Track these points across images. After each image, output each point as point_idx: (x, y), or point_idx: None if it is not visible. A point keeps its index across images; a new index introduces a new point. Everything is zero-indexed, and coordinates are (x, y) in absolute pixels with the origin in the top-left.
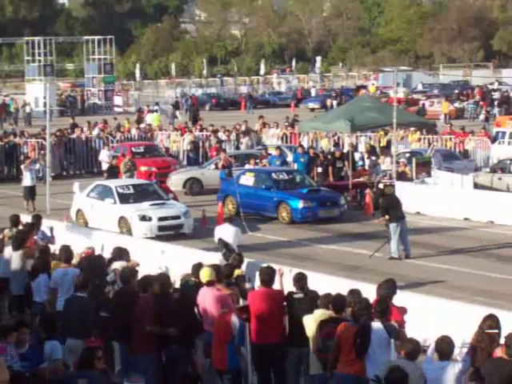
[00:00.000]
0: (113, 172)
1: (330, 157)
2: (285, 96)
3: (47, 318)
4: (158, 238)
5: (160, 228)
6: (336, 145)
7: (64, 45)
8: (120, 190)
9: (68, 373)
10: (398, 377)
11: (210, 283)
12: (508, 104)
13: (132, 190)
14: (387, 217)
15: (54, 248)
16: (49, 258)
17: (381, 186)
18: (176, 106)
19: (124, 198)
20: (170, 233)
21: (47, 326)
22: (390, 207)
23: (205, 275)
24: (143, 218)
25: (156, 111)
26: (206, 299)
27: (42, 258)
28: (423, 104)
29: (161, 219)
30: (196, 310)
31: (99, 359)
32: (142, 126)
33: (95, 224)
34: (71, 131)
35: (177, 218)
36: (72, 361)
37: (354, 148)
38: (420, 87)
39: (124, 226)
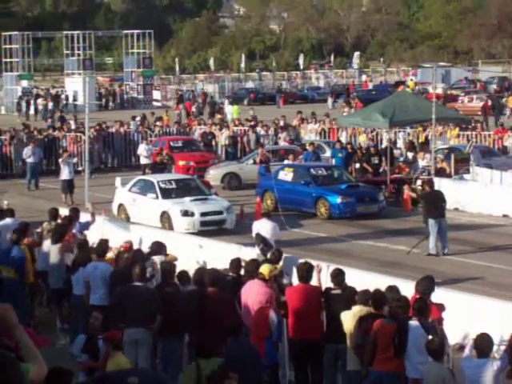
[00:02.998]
0: (156, 168)
1: (365, 153)
2: (323, 91)
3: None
4: (198, 233)
5: (202, 223)
6: (371, 141)
7: (103, 39)
8: (162, 185)
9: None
10: None
11: (265, 279)
12: None
13: (174, 185)
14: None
15: (93, 241)
16: (88, 251)
17: (419, 182)
18: (180, 100)
19: (166, 193)
20: (212, 228)
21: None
22: (431, 202)
23: (268, 270)
24: (185, 214)
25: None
26: (252, 293)
27: (82, 251)
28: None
29: (203, 214)
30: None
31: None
32: (218, 116)
33: (137, 219)
34: (61, 125)
35: (219, 213)
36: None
37: (393, 144)
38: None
39: (166, 221)
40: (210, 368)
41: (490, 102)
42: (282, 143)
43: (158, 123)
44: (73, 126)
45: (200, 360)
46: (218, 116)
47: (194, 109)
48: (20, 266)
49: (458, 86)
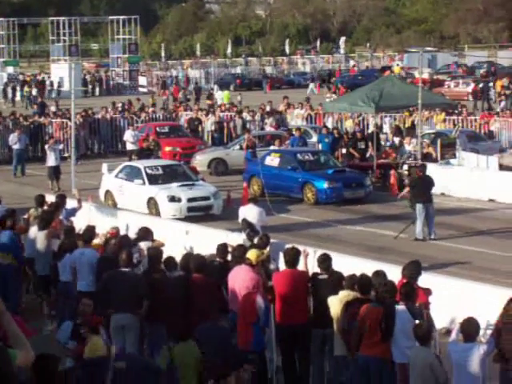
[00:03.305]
0: (143, 154)
1: (351, 138)
2: (309, 76)
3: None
4: (185, 218)
5: (189, 209)
6: (358, 126)
7: (89, 25)
8: (149, 171)
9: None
10: None
11: (252, 264)
12: None
13: (161, 171)
14: (407, 189)
15: (79, 228)
16: (75, 237)
17: (405, 167)
18: (163, 86)
19: (153, 179)
20: (199, 214)
21: None
22: (421, 187)
23: (256, 256)
24: (172, 199)
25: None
26: (239, 279)
27: (68, 237)
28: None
29: (190, 200)
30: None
31: None
32: (208, 102)
33: (124, 205)
34: (41, 112)
35: (206, 198)
36: (122, 337)
37: (380, 129)
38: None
39: (153, 207)
40: (183, 350)
41: (480, 86)
42: (268, 128)
43: (151, 109)
44: (53, 109)
45: (174, 342)
46: (208, 102)
47: (180, 95)
48: (18, 253)
49: (446, 71)
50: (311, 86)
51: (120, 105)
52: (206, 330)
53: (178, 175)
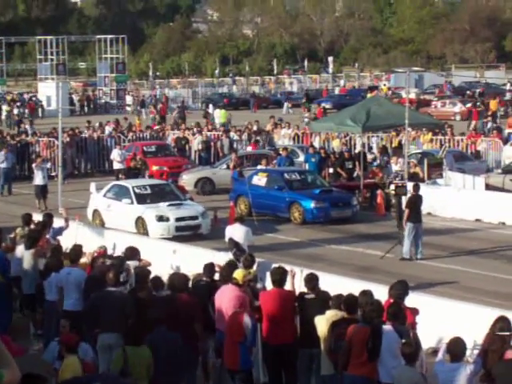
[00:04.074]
0: (131, 173)
1: (338, 157)
2: (296, 96)
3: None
4: (173, 238)
5: (177, 228)
6: (345, 146)
7: (76, 44)
8: (137, 190)
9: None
10: None
11: (238, 284)
12: None
13: (149, 190)
14: (407, 210)
15: (66, 247)
16: (61, 256)
17: (392, 186)
18: (142, 104)
19: (141, 199)
20: (187, 233)
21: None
22: (414, 206)
23: (242, 275)
24: (161, 219)
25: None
26: (226, 298)
27: (54, 256)
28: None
29: (178, 219)
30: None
31: None
32: (205, 121)
33: (112, 224)
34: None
35: (194, 218)
36: (108, 356)
37: (368, 148)
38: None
39: (141, 226)
40: (137, 354)
41: (477, 106)
42: (248, 148)
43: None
44: (29, 131)
45: (127, 347)
46: (205, 120)
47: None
48: (5, 271)
49: (432, 91)
50: (286, 105)
51: (112, 126)
52: (158, 336)
53: (166, 194)
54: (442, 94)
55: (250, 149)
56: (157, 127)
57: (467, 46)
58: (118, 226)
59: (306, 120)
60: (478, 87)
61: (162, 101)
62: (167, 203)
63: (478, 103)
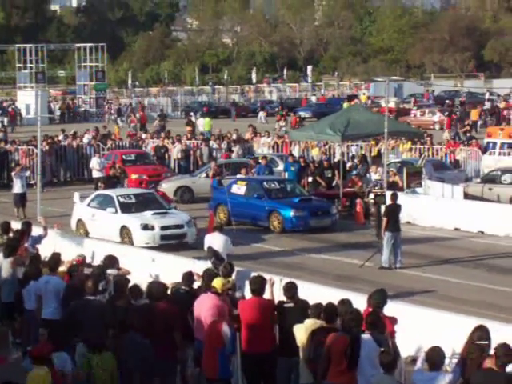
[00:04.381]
0: (110, 182)
1: (318, 166)
2: (274, 105)
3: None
4: (158, 247)
5: (162, 237)
6: (324, 154)
7: (55, 52)
8: (121, 200)
9: None
10: None
11: (217, 292)
12: (498, 114)
13: (133, 199)
14: (386, 219)
15: (45, 255)
16: (40, 265)
17: (371, 195)
18: (119, 113)
19: (125, 207)
20: (172, 242)
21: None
22: (392, 215)
23: (221, 284)
24: (145, 227)
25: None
26: (204, 307)
27: (33, 265)
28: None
29: (163, 228)
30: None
31: None
32: (188, 129)
33: (96, 234)
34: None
35: (180, 227)
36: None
37: (349, 157)
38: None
39: (126, 235)
40: (101, 361)
41: (457, 115)
42: (234, 156)
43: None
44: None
45: (91, 355)
46: (188, 128)
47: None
48: None
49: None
50: (260, 114)
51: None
52: (125, 342)
53: (150, 203)
54: (416, 103)
55: (222, 159)
56: (135, 136)
57: (446, 55)
58: (103, 235)
59: (284, 129)
60: (459, 96)
61: (138, 109)
62: (152, 212)
63: (458, 112)
